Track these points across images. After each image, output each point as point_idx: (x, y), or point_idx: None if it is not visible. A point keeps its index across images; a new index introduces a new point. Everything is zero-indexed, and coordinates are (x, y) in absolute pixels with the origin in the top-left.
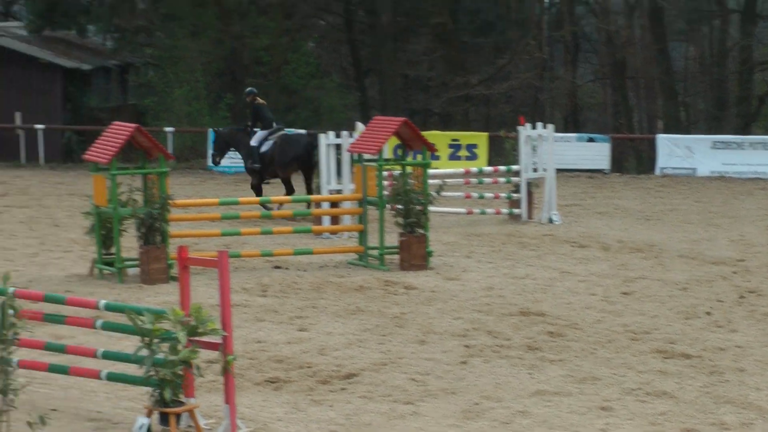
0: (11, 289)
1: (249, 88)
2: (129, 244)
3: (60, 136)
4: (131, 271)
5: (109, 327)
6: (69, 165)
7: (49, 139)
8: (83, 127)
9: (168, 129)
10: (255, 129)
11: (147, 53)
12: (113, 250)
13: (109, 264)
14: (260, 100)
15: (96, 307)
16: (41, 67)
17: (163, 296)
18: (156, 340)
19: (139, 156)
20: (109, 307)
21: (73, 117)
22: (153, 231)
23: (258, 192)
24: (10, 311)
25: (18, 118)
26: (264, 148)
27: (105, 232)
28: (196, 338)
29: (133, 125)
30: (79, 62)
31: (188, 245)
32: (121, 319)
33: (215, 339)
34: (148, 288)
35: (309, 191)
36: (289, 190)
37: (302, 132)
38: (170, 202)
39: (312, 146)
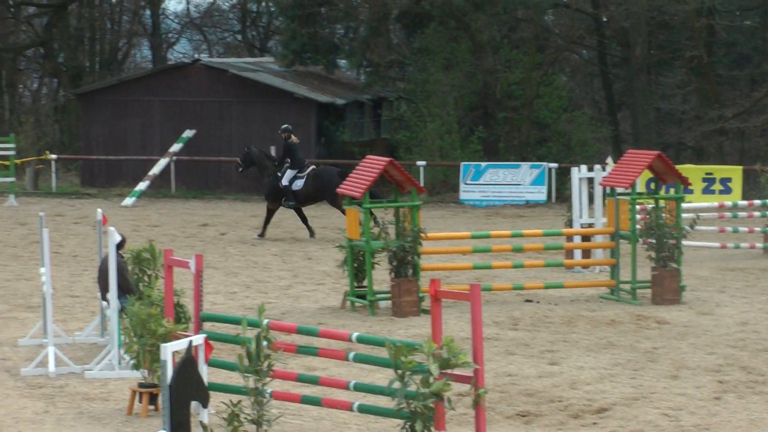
0: (266, 321)
1: (285, 126)
2: (381, 276)
3: None
4: (383, 303)
5: (361, 359)
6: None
7: None
8: (337, 161)
9: (420, 163)
10: (284, 163)
11: (399, 87)
12: (365, 282)
13: (361, 296)
14: (294, 139)
15: (348, 339)
16: (296, 101)
17: (414, 329)
18: (408, 373)
19: (392, 189)
20: (361, 340)
21: (327, 151)
22: (405, 264)
23: (268, 216)
24: (265, 343)
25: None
26: (296, 187)
27: (357, 265)
28: (448, 371)
29: (386, 159)
30: (333, 97)
31: (439, 278)
32: (373, 351)
33: (467, 372)
34: (399, 320)
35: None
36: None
37: (328, 167)
38: (422, 235)
39: (345, 175)
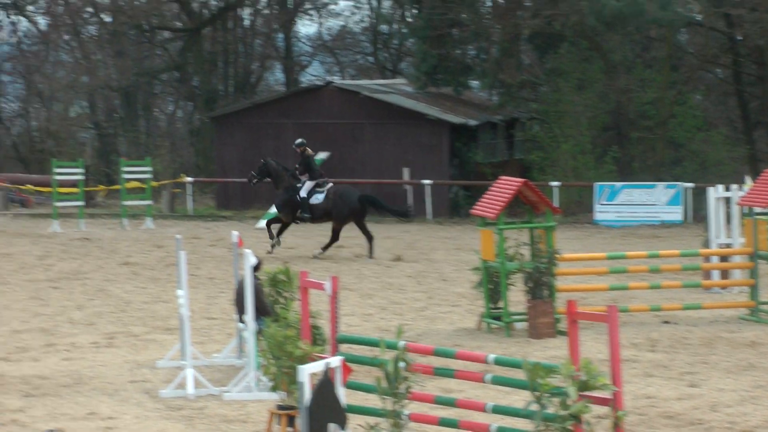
0: (402, 343)
1: (299, 140)
2: (516, 298)
3: (447, 191)
4: (518, 325)
5: (498, 381)
6: (455, 220)
7: (436, 194)
8: (469, 182)
9: (554, 183)
10: (302, 177)
11: (532, 108)
12: (501, 304)
13: (497, 318)
14: (309, 152)
15: (485, 361)
16: (428, 122)
17: (550, 350)
18: (546, 395)
19: (526, 210)
20: (498, 361)
21: (460, 172)
22: (540, 285)
23: (277, 227)
24: (402, 364)
25: (406, 173)
26: (315, 201)
27: (492, 286)
28: (586, 393)
29: (520, 180)
30: (465, 118)
31: (575, 299)
32: (510, 373)
33: (605, 394)
34: (535, 342)
35: (368, 235)
36: (335, 239)
37: (349, 186)
38: (557, 256)
39: (364, 199)
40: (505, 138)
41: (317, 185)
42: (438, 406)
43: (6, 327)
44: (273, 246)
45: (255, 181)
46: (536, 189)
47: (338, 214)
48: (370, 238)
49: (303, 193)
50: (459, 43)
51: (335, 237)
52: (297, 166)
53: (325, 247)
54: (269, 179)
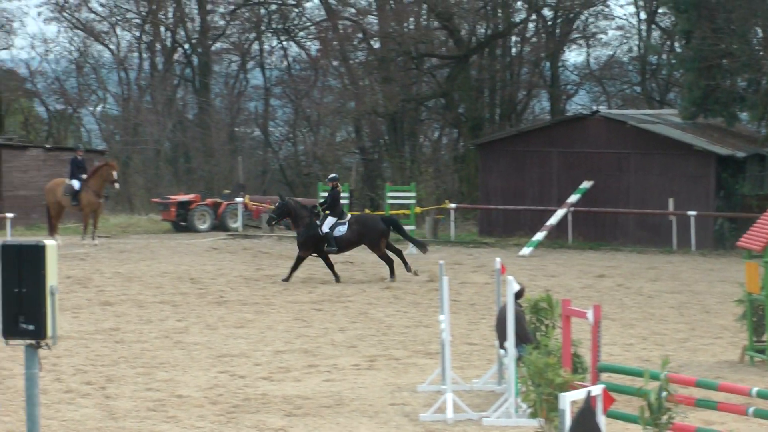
0: (664, 374)
1: (333, 175)
2: None
3: (712, 223)
4: None
5: (761, 414)
6: (720, 252)
7: (700, 226)
8: (735, 214)
9: None
10: (327, 212)
11: None
12: (765, 337)
13: (761, 351)
14: (339, 188)
15: (748, 394)
16: (695, 154)
17: None
18: None
19: None
20: (761, 395)
21: (726, 204)
22: None
23: (298, 263)
24: (664, 394)
25: (671, 204)
26: (338, 233)
27: (756, 319)
28: None
29: None
30: (732, 149)
31: None
32: None
33: None
34: None
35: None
36: (389, 261)
37: (367, 213)
38: None
39: (388, 220)
40: None
41: (338, 219)
42: None
43: (269, 347)
44: (288, 279)
45: (274, 222)
46: None
47: (371, 241)
48: (390, 261)
49: (325, 228)
50: (729, 74)
51: (387, 260)
52: (322, 203)
53: (392, 275)
54: (288, 219)
